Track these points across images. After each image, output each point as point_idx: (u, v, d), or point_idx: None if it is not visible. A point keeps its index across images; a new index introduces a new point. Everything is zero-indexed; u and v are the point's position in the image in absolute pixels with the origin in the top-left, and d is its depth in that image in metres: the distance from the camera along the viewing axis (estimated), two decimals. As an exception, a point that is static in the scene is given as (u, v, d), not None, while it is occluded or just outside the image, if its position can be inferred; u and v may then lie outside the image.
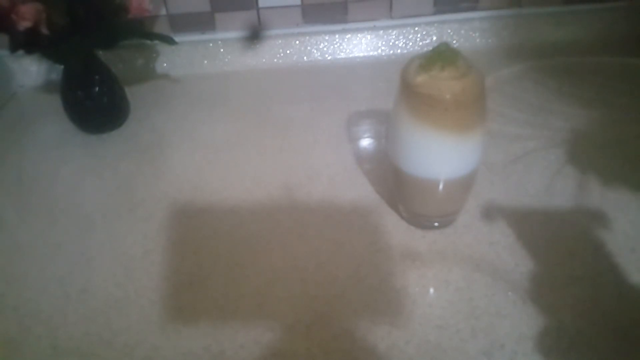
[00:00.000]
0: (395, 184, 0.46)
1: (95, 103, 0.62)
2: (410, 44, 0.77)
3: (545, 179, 0.51)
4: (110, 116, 0.65)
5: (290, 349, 0.38)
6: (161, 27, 0.75)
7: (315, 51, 0.77)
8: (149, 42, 0.73)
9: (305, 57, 0.77)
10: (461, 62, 0.38)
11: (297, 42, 0.76)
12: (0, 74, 0.73)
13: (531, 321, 0.38)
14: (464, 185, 0.44)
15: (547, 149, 0.55)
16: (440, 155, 0.41)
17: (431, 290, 0.41)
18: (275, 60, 0.77)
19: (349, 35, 0.76)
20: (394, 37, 0.77)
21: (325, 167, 0.55)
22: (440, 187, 0.42)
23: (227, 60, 0.76)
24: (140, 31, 0.69)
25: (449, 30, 0.76)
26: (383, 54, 0.77)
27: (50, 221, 0.51)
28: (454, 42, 0.77)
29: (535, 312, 0.39)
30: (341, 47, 0.77)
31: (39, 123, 0.68)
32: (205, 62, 0.76)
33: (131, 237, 0.48)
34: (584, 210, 0.47)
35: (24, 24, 0.50)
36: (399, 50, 0.77)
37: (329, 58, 0.77)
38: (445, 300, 0.40)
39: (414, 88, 0.38)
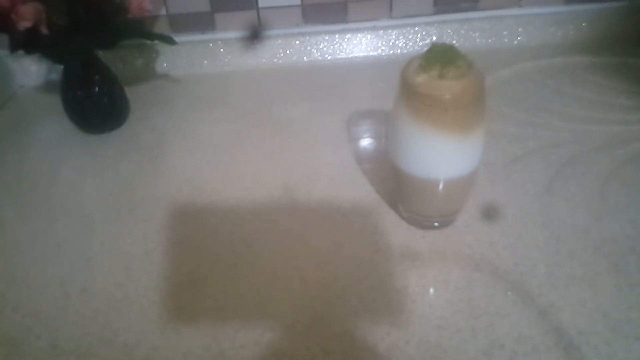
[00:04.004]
0: (395, 184, 0.46)
1: (95, 103, 0.63)
2: (410, 44, 0.77)
3: (545, 179, 0.51)
4: (110, 116, 0.65)
5: (290, 349, 0.38)
6: (161, 27, 0.75)
7: (315, 51, 0.77)
8: (149, 42, 0.73)
9: (305, 57, 0.77)
10: (461, 62, 0.38)
11: (297, 42, 0.76)
12: (0, 74, 0.73)
13: (531, 321, 0.38)
14: (464, 185, 0.44)
15: (547, 149, 0.55)
16: (440, 155, 0.41)
17: (431, 290, 0.41)
18: (275, 60, 0.77)
19: (349, 35, 0.76)
20: (394, 37, 0.77)
21: (325, 167, 0.55)
22: (440, 187, 0.42)
23: (227, 60, 0.76)
24: (140, 31, 0.69)
25: (449, 30, 0.76)
26: (383, 54, 0.77)
27: (50, 221, 0.51)
28: (454, 42, 0.77)
29: (535, 312, 0.39)
30: (341, 47, 0.77)
31: (39, 123, 0.68)
32: (205, 62, 0.76)
33: (131, 237, 0.48)
34: (584, 210, 0.47)
35: (24, 24, 0.50)
36: (399, 50, 0.77)
37: (329, 58, 0.77)
38: (445, 300, 0.40)
39: (414, 88, 0.38)
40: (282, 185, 0.53)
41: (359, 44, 0.77)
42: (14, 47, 0.54)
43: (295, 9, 0.75)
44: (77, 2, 0.55)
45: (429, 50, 0.39)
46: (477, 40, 0.77)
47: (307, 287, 0.42)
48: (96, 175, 0.57)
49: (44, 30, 0.52)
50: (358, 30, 0.76)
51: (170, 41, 0.63)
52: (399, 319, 0.39)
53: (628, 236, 0.44)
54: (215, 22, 0.75)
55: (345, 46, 0.77)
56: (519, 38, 0.77)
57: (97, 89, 0.62)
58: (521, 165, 0.53)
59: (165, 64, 0.76)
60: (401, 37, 0.77)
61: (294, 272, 0.44)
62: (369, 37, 0.77)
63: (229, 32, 0.75)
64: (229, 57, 0.76)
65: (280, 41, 0.76)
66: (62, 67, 0.62)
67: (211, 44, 0.76)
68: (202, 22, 0.75)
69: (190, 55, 0.76)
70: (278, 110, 0.67)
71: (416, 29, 0.76)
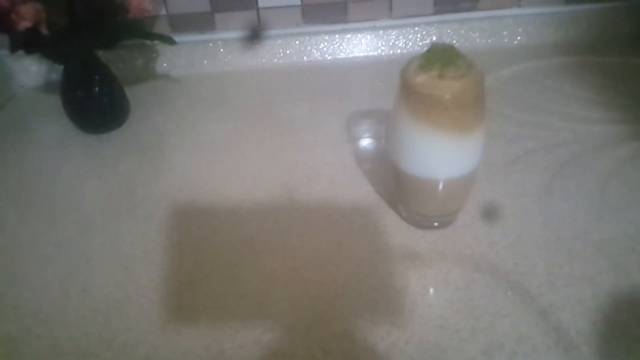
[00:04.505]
0: (395, 184, 0.46)
1: (95, 103, 0.63)
2: (410, 44, 0.77)
3: (545, 179, 0.51)
4: (110, 116, 0.65)
5: (290, 349, 0.38)
6: (161, 27, 0.75)
7: (315, 51, 0.77)
8: (149, 42, 0.73)
9: (305, 57, 0.77)
10: (461, 62, 0.38)
11: (297, 42, 0.76)
12: (0, 74, 0.73)
13: (531, 321, 0.38)
14: (464, 185, 0.44)
15: (547, 149, 0.55)
16: (440, 155, 0.41)
17: (431, 290, 0.41)
18: (275, 60, 0.77)
19: (349, 35, 0.76)
20: (394, 37, 0.77)
21: (325, 167, 0.55)
22: (440, 187, 0.42)
23: (227, 60, 0.76)
24: (140, 31, 0.69)
25: (449, 30, 0.76)
26: (383, 54, 0.77)
27: (50, 221, 0.51)
28: (454, 42, 0.77)
29: (535, 312, 0.39)
30: (341, 47, 0.77)
31: (39, 123, 0.68)
32: (205, 62, 0.76)
33: (131, 237, 0.48)
34: (584, 210, 0.47)
35: (24, 24, 0.50)
36: (399, 50, 0.77)
37: (329, 58, 0.77)
38: (445, 300, 0.40)
39: (413, 88, 0.38)
40: (282, 185, 0.53)
41: (359, 44, 0.77)
42: (14, 47, 0.54)
43: (295, 9, 0.75)
44: (77, 2, 0.54)
45: (428, 50, 0.39)
46: (477, 40, 0.77)
47: (307, 287, 0.42)
48: (96, 175, 0.57)
49: (44, 30, 0.52)
50: (358, 30, 0.76)
51: (170, 41, 0.63)
52: (399, 319, 0.39)
53: (628, 236, 0.44)
54: (215, 22, 0.75)
55: (345, 46, 0.77)
56: (519, 38, 0.77)
57: (97, 89, 0.62)
58: (521, 165, 0.53)
59: (165, 64, 0.76)
60: (401, 37, 0.77)
61: (294, 272, 0.44)
62: (369, 37, 0.77)
63: (229, 32, 0.75)
64: (229, 57, 0.76)
65: (280, 41, 0.76)
66: (62, 67, 0.62)
67: (211, 44, 0.76)
68: (202, 22, 0.75)
69: (190, 55, 0.76)
70: (278, 110, 0.67)
71: (416, 29, 0.76)
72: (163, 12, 0.74)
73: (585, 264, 0.42)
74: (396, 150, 0.43)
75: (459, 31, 0.77)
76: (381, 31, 0.76)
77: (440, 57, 0.38)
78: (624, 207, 0.47)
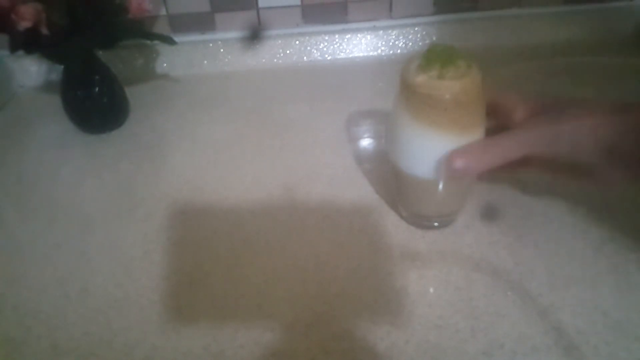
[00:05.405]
0: (395, 184, 0.46)
1: (95, 103, 0.63)
2: (410, 44, 0.77)
3: (545, 178, 0.51)
4: (110, 116, 0.65)
5: (290, 349, 0.38)
6: (161, 27, 0.75)
7: (315, 51, 0.77)
8: (149, 42, 0.73)
9: (305, 57, 0.77)
10: (461, 62, 0.38)
11: (297, 42, 0.76)
12: (0, 74, 0.73)
13: (530, 321, 0.38)
14: (464, 185, 0.44)
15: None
16: (440, 155, 0.40)
17: (431, 290, 0.41)
18: (275, 60, 0.77)
19: (349, 35, 0.76)
20: (394, 37, 0.77)
21: (325, 167, 0.55)
22: (440, 187, 0.42)
23: (227, 60, 0.76)
24: (140, 31, 0.69)
25: (449, 30, 0.76)
26: (383, 54, 0.77)
27: (50, 221, 0.51)
28: (454, 42, 0.76)
29: (535, 312, 0.39)
30: (341, 47, 0.77)
31: (39, 123, 0.68)
32: (205, 62, 0.76)
33: (131, 237, 0.48)
34: (584, 210, 0.47)
35: (24, 24, 0.50)
36: (399, 50, 0.77)
37: (329, 58, 0.77)
38: (445, 300, 0.40)
39: (413, 88, 0.38)
40: (282, 185, 0.53)
41: (359, 44, 0.77)
42: (14, 47, 0.54)
43: (295, 9, 0.75)
44: (77, 2, 0.55)
45: (428, 50, 0.39)
46: (477, 40, 0.77)
47: (307, 287, 0.42)
48: (96, 175, 0.57)
49: (44, 30, 0.52)
50: (358, 30, 0.76)
51: (170, 41, 0.63)
52: (399, 319, 0.39)
53: (628, 236, 0.44)
54: (215, 22, 0.75)
55: (345, 46, 0.77)
56: (519, 38, 0.77)
57: (97, 89, 0.62)
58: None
59: (165, 64, 0.76)
60: (401, 37, 0.77)
61: (294, 272, 0.44)
62: (369, 37, 0.77)
63: (229, 32, 0.75)
64: (229, 57, 0.76)
65: (280, 41, 0.76)
66: (62, 67, 0.62)
67: (211, 44, 0.76)
68: (202, 22, 0.75)
69: (190, 55, 0.76)
70: (278, 110, 0.67)
71: (416, 29, 0.76)
72: (163, 12, 0.74)
73: (585, 264, 0.42)
74: (396, 150, 0.43)
75: (459, 31, 0.77)
76: (381, 31, 0.76)
77: (440, 57, 0.38)
78: (624, 207, 0.47)
